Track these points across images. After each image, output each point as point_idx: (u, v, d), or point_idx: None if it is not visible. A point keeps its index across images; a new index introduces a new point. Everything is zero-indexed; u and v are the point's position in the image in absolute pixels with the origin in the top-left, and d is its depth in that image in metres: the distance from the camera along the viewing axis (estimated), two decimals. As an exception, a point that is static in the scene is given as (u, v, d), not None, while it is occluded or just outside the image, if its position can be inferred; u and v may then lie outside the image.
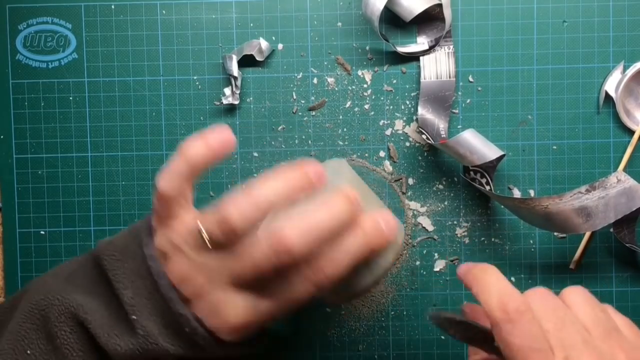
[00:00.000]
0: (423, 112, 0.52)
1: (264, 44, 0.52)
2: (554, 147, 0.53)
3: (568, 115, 0.53)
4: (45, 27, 0.53)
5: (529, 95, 0.53)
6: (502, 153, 0.49)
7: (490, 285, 0.36)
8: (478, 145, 0.49)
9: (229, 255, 0.37)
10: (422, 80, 0.52)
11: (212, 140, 0.38)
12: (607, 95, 0.53)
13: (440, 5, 0.52)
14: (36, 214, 0.54)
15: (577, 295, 0.37)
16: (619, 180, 0.46)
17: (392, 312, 0.54)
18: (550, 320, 0.35)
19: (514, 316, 0.34)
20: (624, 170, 0.53)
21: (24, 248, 0.54)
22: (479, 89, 0.53)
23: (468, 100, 0.53)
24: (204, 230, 0.37)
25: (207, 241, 0.37)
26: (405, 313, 0.54)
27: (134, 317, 0.39)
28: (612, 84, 0.52)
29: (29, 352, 0.40)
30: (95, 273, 0.42)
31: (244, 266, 0.36)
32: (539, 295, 0.36)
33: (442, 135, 0.52)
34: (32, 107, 0.54)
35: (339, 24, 0.53)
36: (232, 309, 0.38)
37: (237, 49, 0.53)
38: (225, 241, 0.36)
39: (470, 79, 0.53)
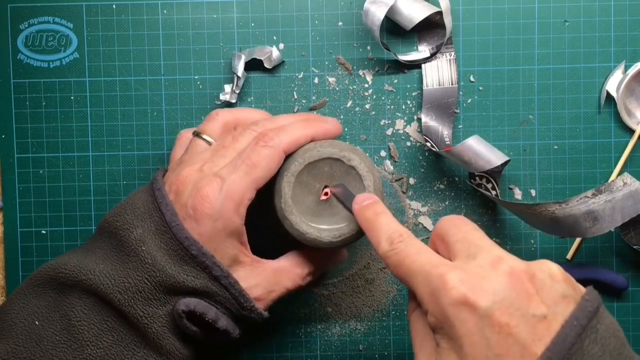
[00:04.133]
0: (427, 119, 0.52)
1: (275, 53, 0.52)
2: (555, 147, 0.53)
3: (569, 115, 0.53)
4: (46, 27, 0.53)
5: (530, 95, 0.53)
6: (507, 159, 0.49)
7: (382, 227, 0.39)
8: (483, 152, 0.49)
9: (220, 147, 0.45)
10: (424, 87, 0.52)
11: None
12: (609, 95, 0.53)
13: (440, 13, 0.52)
14: (37, 214, 0.54)
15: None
16: (625, 184, 0.46)
17: (393, 312, 0.54)
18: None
19: (396, 245, 0.38)
20: (623, 169, 0.53)
21: (25, 247, 0.54)
22: (480, 88, 0.53)
23: (469, 100, 0.53)
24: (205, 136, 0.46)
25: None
26: (406, 313, 0.54)
27: (142, 247, 0.41)
28: (614, 84, 0.52)
29: (37, 323, 0.41)
30: (101, 236, 0.44)
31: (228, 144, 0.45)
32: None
33: (447, 142, 0.52)
34: (33, 106, 0.54)
35: (340, 23, 0.53)
36: (214, 184, 0.42)
37: (248, 50, 0.53)
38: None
39: (472, 78, 0.53)
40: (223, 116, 0.47)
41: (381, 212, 0.41)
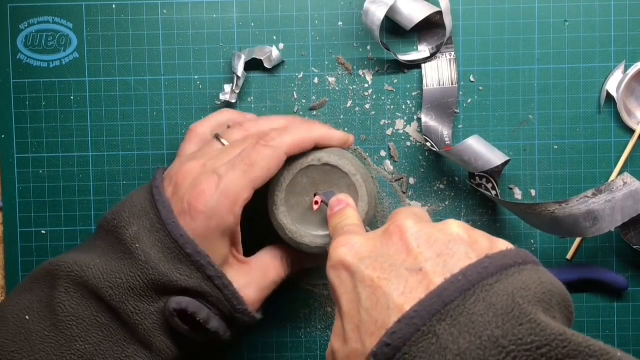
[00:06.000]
0: (427, 119, 0.52)
1: (275, 53, 0.52)
2: (555, 147, 0.53)
3: (569, 114, 0.53)
4: (46, 27, 0.53)
5: (530, 95, 0.53)
6: (507, 159, 0.49)
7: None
8: (482, 152, 0.49)
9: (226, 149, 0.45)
10: (424, 87, 0.52)
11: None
12: (609, 95, 0.53)
13: (440, 13, 0.52)
14: (37, 214, 0.54)
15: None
16: (625, 183, 0.46)
17: (393, 312, 0.54)
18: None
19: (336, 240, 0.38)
20: (623, 169, 0.53)
21: (25, 247, 0.54)
22: (480, 88, 0.53)
23: (469, 100, 0.53)
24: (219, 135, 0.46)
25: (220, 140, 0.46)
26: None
27: (136, 245, 0.41)
28: (614, 84, 0.52)
29: (27, 317, 0.41)
30: (100, 234, 0.44)
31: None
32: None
33: (447, 142, 0.52)
34: (33, 106, 0.54)
35: (340, 23, 0.53)
36: (212, 181, 0.42)
37: (248, 50, 0.53)
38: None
39: (472, 78, 0.53)
40: (248, 126, 0.47)
41: (345, 218, 0.41)
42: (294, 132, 0.44)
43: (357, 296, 0.32)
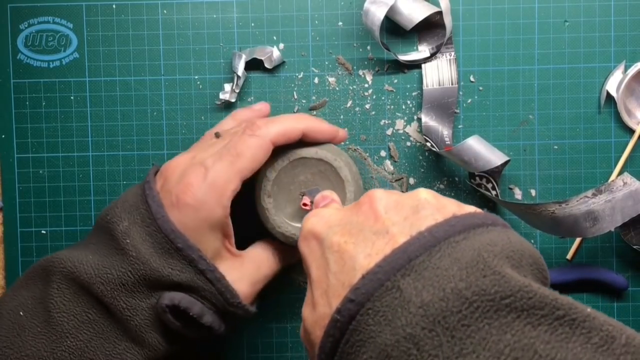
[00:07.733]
0: (427, 119, 0.52)
1: (275, 53, 0.52)
2: (555, 147, 0.53)
3: (569, 115, 0.53)
4: (46, 27, 0.53)
5: (530, 95, 0.53)
6: (507, 159, 0.49)
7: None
8: (482, 152, 0.49)
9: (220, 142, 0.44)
10: (424, 87, 0.52)
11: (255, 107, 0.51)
12: (609, 95, 0.53)
13: (440, 13, 0.52)
14: (37, 214, 0.54)
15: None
16: (625, 183, 0.46)
17: (393, 312, 0.54)
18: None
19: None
20: (623, 169, 0.53)
21: (25, 247, 0.54)
22: (480, 88, 0.53)
23: (469, 100, 0.53)
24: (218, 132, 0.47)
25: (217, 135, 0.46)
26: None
27: (127, 240, 0.41)
28: (614, 84, 0.52)
29: (21, 313, 0.41)
30: (95, 231, 0.44)
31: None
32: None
33: (447, 142, 0.52)
34: (33, 106, 0.54)
35: (340, 23, 0.53)
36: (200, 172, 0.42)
37: (248, 50, 0.53)
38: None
39: (472, 78, 0.53)
40: (242, 114, 0.48)
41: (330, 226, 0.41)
42: (281, 121, 0.44)
43: (325, 262, 0.32)
